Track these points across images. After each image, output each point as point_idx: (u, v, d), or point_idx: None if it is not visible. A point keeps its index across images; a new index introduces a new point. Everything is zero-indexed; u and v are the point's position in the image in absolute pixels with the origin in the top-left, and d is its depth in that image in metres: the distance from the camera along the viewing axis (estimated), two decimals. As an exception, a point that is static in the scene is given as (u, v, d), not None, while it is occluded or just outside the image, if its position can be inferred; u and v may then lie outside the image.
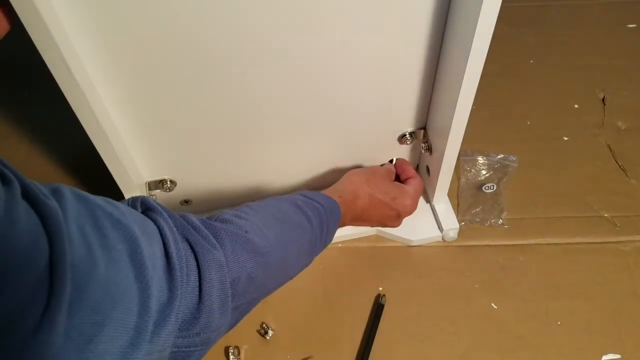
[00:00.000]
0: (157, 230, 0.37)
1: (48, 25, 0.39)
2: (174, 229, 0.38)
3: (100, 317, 0.29)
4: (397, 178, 0.68)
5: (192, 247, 0.39)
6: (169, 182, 0.63)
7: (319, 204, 0.53)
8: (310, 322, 0.64)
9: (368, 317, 0.64)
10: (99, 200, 0.34)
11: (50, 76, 0.44)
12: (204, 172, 0.64)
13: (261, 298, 0.47)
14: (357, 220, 0.61)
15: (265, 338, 0.63)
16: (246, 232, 0.43)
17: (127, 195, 0.60)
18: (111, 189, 0.58)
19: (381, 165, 0.70)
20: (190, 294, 0.37)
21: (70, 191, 0.32)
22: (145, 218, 0.38)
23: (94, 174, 0.58)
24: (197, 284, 0.37)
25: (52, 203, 0.29)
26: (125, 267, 0.32)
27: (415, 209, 0.65)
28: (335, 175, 0.70)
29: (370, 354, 0.61)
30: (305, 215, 0.50)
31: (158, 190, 0.64)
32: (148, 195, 0.63)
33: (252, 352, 0.62)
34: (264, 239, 0.45)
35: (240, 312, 0.44)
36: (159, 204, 0.40)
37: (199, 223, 0.41)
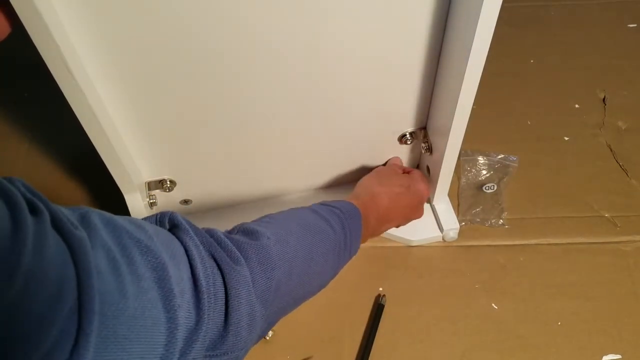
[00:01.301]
0: (184, 251, 0.36)
1: (48, 26, 0.39)
2: (200, 247, 0.38)
3: (127, 354, 0.28)
4: None
5: (218, 265, 0.38)
6: (168, 182, 0.63)
7: (337, 208, 0.52)
8: (310, 322, 0.64)
9: (368, 317, 0.64)
10: (127, 224, 0.33)
11: (50, 76, 0.44)
12: (203, 172, 0.64)
13: (290, 308, 0.46)
14: (383, 220, 0.60)
15: (265, 338, 0.63)
16: (268, 238, 0.43)
17: (127, 195, 0.60)
18: (111, 189, 0.58)
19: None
20: (218, 313, 0.36)
21: (98, 217, 0.31)
22: (173, 238, 0.37)
23: (94, 174, 0.59)
24: (224, 303, 0.37)
25: (81, 234, 0.28)
26: (154, 297, 0.31)
27: (429, 192, 0.66)
28: (335, 174, 0.70)
29: (370, 354, 0.61)
30: (324, 220, 0.50)
31: (158, 190, 0.64)
32: (147, 195, 0.63)
33: (252, 352, 0.62)
34: (286, 245, 0.44)
35: (269, 323, 0.43)
36: (186, 221, 0.39)
37: (224, 237, 0.40)
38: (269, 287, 0.41)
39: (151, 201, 0.63)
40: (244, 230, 0.44)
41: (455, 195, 0.73)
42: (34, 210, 0.27)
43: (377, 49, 0.52)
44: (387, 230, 0.63)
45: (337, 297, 0.66)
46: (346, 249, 0.52)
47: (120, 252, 0.31)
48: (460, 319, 0.64)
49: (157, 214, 0.40)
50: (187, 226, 0.38)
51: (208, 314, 0.35)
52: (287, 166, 0.67)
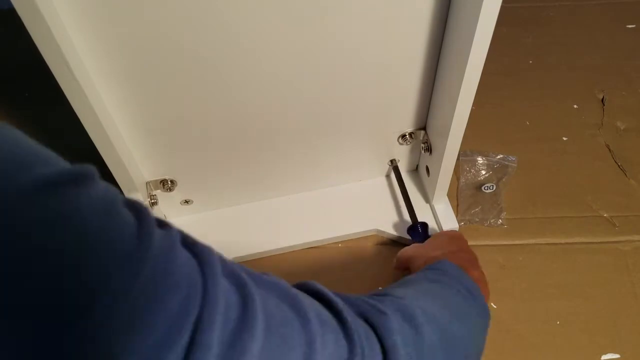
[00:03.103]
0: (331, 316, 0.35)
1: (49, 26, 0.39)
2: (349, 310, 0.36)
3: None
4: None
5: (367, 321, 0.36)
6: (169, 182, 0.63)
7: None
8: (310, 321, 0.64)
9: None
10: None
11: (50, 76, 0.44)
12: (204, 172, 0.64)
13: None
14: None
15: (265, 338, 0.63)
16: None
17: (128, 195, 0.60)
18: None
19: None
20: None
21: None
22: (320, 305, 0.35)
23: (94, 174, 0.58)
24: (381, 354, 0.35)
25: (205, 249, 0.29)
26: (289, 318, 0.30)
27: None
28: (335, 174, 0.70)
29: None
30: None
31: (159, 190, 0.64)
32: (148, 195, 0.63)
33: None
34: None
35: None
36: (329, 292, 0.37)
37: (365, 297, 0.39)
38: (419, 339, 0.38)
39: (152, 201, 0.63)
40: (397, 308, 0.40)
41: (455, 195, 0.73)
42: (161, 225, 0.27)
43: (377, 50, 0.52)
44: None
45: (337, 297, 0.66)
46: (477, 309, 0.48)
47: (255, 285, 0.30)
48: (460, 319, 0.64)
49: (300, 283, 0.38)
50: (333, 296, 0.37)
51: (362, 350, 0.33)
52: (287, 166, 0.67)
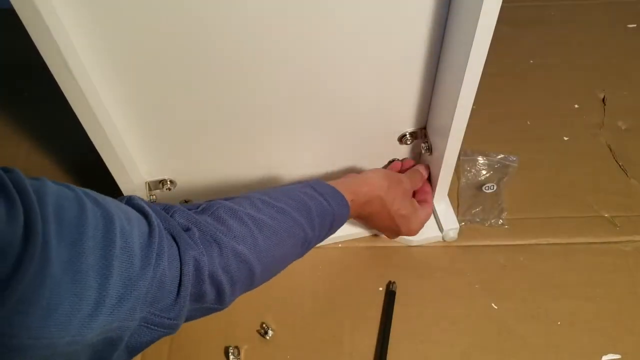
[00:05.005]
0: (142, 218, 0.40)
1: (49, 25, 0.39)
2: (161, 225, 0.40)
3: (56, 298, 0.30)
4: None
5: (176, 242, 0.40)
6: (169, 182, 0.63)
7: (332, 208, 0.51)
8: (310, 322, 0.64)
9: (368, 316, 0.64)
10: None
11: (50, 76, 0.44)
12: (204, 172, 0.64)
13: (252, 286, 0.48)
14: (359, 218, 0.61)
15: (265, 338, 0.63)
16: (234, 237, 0.44)
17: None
18: (111, 189, 0.58)
19: (412, 170, 0.67)
20: (170, 275, 0.39)
21: (52, 182, 0.35)
22: (132, 209, 0.40)
23: (94, 174, 0.59)
24: (178, 274, 0.39)
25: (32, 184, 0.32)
26: (92, 246, 0.33)
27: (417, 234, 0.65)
28: (335, 174, 0.70)
29: (370, 354, 0.61)
30: (310, 226, 0.50)
31: (158, 190, 0.64)
32: (148, 195, 0.63)
33: (252, 352, 0.62)
34: (253, 252, 0.45)
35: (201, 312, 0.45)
36: (147, 204, 0.42)
37: (185, 222, 0.43)
38: (218, 275, 0.42)
39: (152, 201, 0.63)
40: (216, 218, 0.44)
41: (455, 195, 0.73)
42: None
43: (377, 49, 0.52)
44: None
45: (337, 297, 0.66)
46: (315, 242, 0.52)
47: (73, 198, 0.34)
48: (460, 319, 0.64)
49: (123, 197, 0.43)
50: (149, 208, 0.41)
51: (154, 273, 0.37)
52: (287, 167, 0.67)
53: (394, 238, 0.66)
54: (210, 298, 0.43)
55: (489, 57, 0.47)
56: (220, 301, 0.44)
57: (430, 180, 0.68)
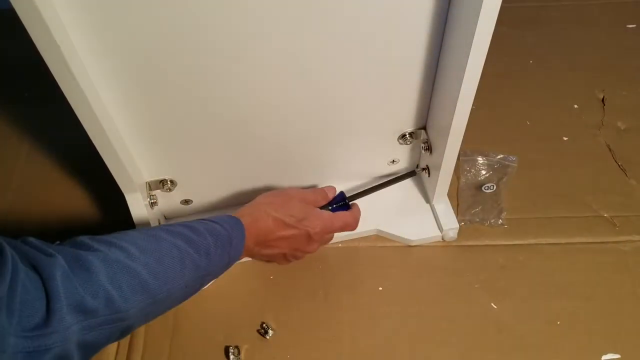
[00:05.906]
0: None
1: (49, 25, 0.39)
2: (15, 256, 0.38)
3: None
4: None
5: (29, 260, 0.39)
6: (169, 182, 0.63)
7: (225, 230, 0.51)
8: (310, 322, 0.64)
9: (368, 316, 0.64)
10: None
11: (50, 76, 0.44)
12: (204, 172, 0.64)
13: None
14: (263, 245, 0.57)
15: (265, 338, 0.63)
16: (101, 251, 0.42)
17: (127, 196, 0.60)
18: (112, 189, 0.59)
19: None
20: (33, 295, 0.37)
21: None
22: None
23: (94, 174, 0.59)
24: (42, 287, 0.38)
25: None
26: None
27: (329, 234, 0.61)
28: (335, 174, 0.70)
29: (370, 354, 0.61)
30: (196, 233, 0.49)
31: (158, 190, 0.64)
32: (147, 195, 0.63)
33: (252, 352, 0.62)
34: (127, 256, 0.43)
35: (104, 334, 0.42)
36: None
37: (41, 244, 0.41)
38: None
39: (152, 201, 0.63)
40: (76, 242, 0.43)
41: (455, 195, 0.73)
42: None
43: (377, 49, 0.52)
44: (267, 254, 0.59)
45: (337, 297, 0.66)
46: (213, 271, 0.51)
47: None
48: (460, 319, 0.64)
49: None
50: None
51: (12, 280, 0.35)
52: (287, 166, 0.67)
53: (314, 248, 0.61)
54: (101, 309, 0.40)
55: (489, 57, 0.47)
56: (115, 309, 0.42)
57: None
